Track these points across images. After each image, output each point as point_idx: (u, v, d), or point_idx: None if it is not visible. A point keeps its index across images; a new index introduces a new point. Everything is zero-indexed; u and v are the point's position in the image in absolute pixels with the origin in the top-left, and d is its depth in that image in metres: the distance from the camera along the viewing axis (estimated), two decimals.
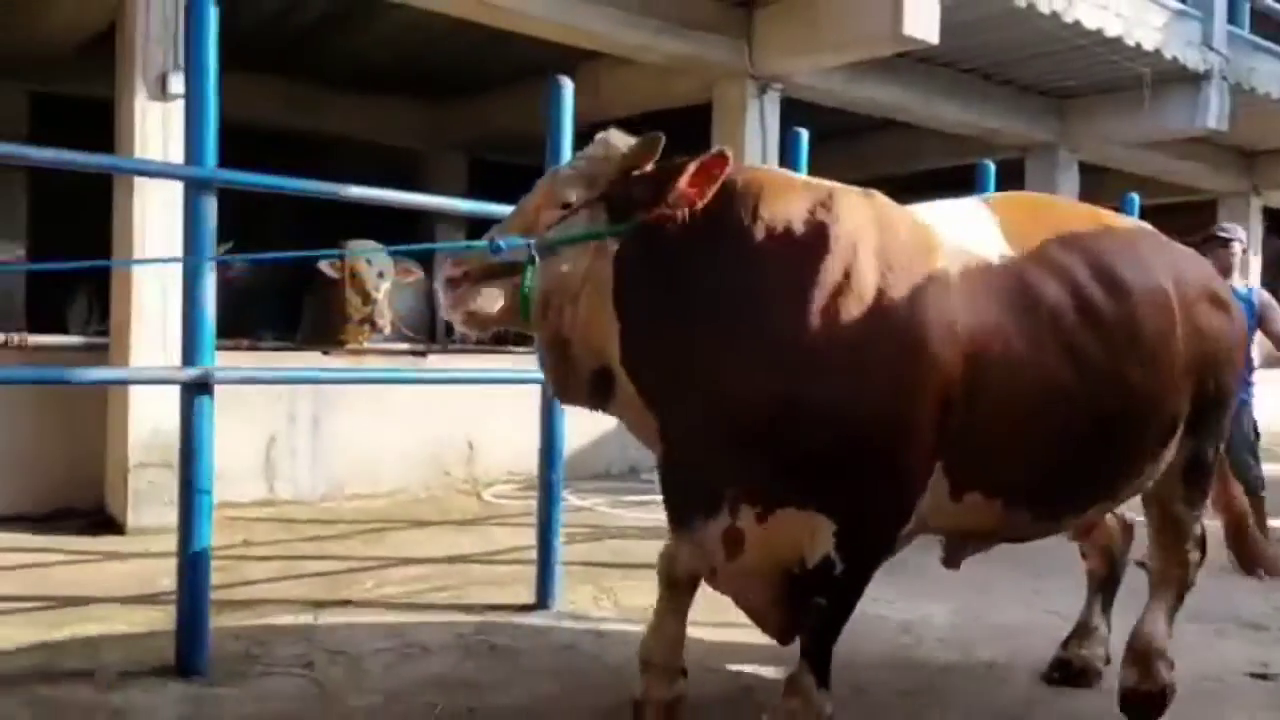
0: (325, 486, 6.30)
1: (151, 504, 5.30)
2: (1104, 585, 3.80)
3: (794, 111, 8.33)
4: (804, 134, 5.28)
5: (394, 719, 3.13)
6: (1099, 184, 11.77)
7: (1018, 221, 3.01)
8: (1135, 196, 6.54)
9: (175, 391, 5.16)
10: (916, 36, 6.76)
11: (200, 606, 3.46)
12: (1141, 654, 3.34)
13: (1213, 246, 5.69)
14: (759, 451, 2.62)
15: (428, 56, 9.20)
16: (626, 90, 8.75)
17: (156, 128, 5.24)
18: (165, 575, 4.51)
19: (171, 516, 5.29)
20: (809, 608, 2.78)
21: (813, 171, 5.50)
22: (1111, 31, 7.98)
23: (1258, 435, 5.96)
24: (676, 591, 2.95)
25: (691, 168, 2.64)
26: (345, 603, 4.28)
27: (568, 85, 4.35)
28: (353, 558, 5.06)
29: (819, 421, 2.58)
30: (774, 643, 2.93)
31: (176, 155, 5.29)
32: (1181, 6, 8.75)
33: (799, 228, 2.68)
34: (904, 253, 2.74)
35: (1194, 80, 9.04)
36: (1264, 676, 3.85)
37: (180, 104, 5.22)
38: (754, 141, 7.88)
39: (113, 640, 3.72)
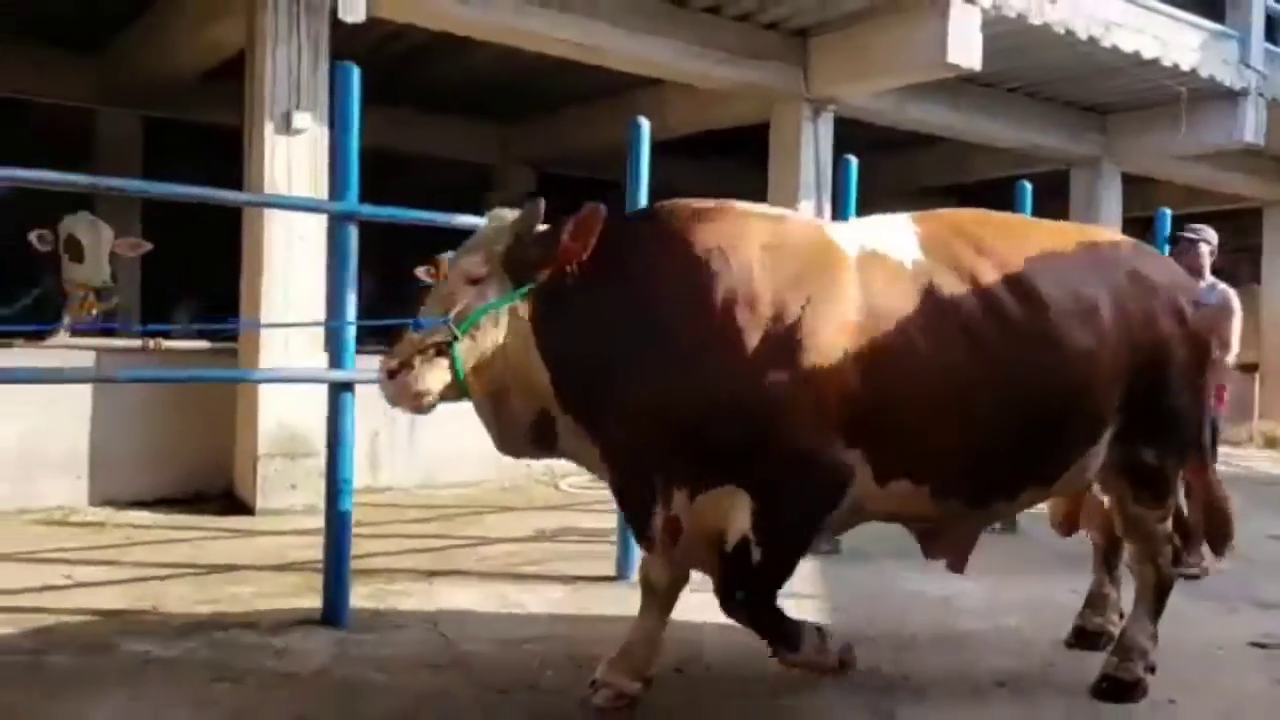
0: (421, 476, 7.00)
1: (276, 489, 6.04)
2: (1107, 555, 4.07)
3: (847, 127, 8.91)
4: (854, 161, 5.83)
5: (504, 661, 3.75)
6: (1146, 194, 12.12)
7: (938, 234, 3.26)
8: (1167, 211, 6.99)
9: (298, 391, 5.91)
10: (960, 64, 7.28)
11: (342, 570, 4.12)
12: (1125, 648, 3.61)
13: (1180, 249, 5.81)
14: (685, 451, 2.96)
15: (504, 81, 9.87)
16: (690, 111, 9.37)
17: (282, 160, 5.96)
18: (294, 548, 5.25)
19: (292, 499, 6.08)
20: (735, 611, 3.10)
21: (866, 183, 6.06)
22: (1149, 53, 8.40)
23: (1216, 437, 5.78)
24: (652, 596, 3.27)
25: (570, 225, 2.98)
26: (453, 572, 4.94)
27: (645, 124, 4.96)
28: (453, 536, 5.74)
29: (728, 418, 2.90)
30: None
31: (299, 185, 6.04)
32: (1219, 27, 9.13)
33: (699, 254, 2.98)
34: (803, 268, 3.02)
35: (1231, 97, 9.40)
36: (1263, 646, 4.32)
37: (301, 138, 6.01)
38: (808, 159, 8.44)
39: (264, 598, 4.40)
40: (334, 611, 4.08)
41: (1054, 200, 10.68)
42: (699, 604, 3.44)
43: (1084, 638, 4.04)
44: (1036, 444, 3.23)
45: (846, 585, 4.87)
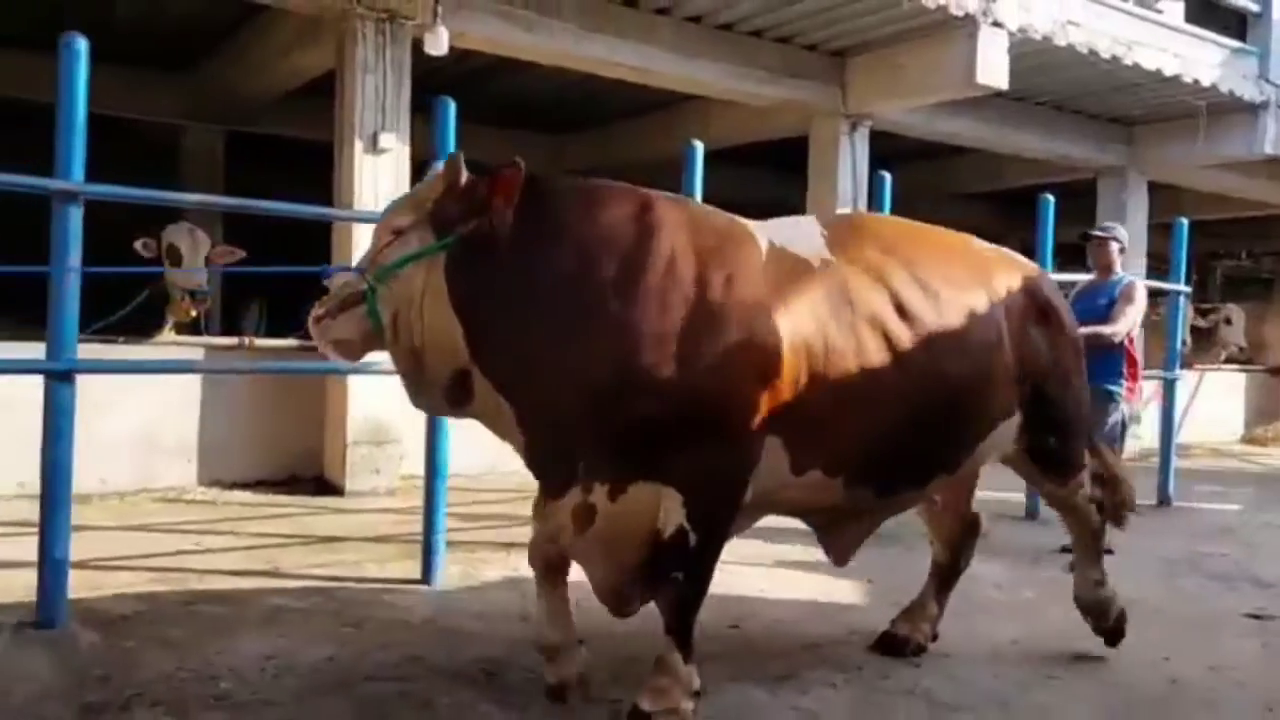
0: (486, 464, 7.60)
1: (362, 473, 6.69)
2: (943, 573, 4.08)
3: (882, 138, 9.43)
4: (887, 176, 6.37)
5: (579, 616, 4.34)
6: (1174, 201, 12.56)
7: (843, 235, 3.35)
8: (1184, 221, 7.47)
9: (381, 385, 6.52)
10: (988, 84, 7.79)
11: (437, 539, 4.74)
12: (1087, 606, 4.03)
13: (1093, 245, 5.96)
14: (602, 429, 2.88)
15: (556, 97, 10.48)
16: (732, 125, 9.93)
17: (369, 177, 6.59)
18: (384, 524, 5.89)
19: (376, 482, 6.70)
20: (665, 585, 3.03)
21: (901, 191, 6.58)
22: (1170, 70, 8.84)
23: (1124, 428, 5.92)
24: (549, 574, 3.21)
25: (492, 181, 2.93)
26: (525, 545, 5.54)
27: (699, 146, 5.54)
28: (521, 516, 6.31)
29: (651, 396, 2.84)
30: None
31: (385, 198, 6.67)
32: (1239, 44, 9.57)
33: (622, 227, 2.98)
34: (720, 249, 3.04)
35: (1252, 110, 9.82)
36: (1258, 616, 4.82)
37: (386, 157, 6.63)
38: (845, 171, 8.96)
39: (368, 563, 5.03)
40: (431, 573, 4.70)
41: (1082, 207, 11.17)
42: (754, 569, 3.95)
43: (890, 643, 3.94)
44: (943, 434, 3.39)
45: (879, 561, 5.40)
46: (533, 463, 3.10)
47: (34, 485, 5.76)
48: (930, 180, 12.72)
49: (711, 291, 2.95)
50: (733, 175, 11.41)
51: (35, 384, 3.94)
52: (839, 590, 4.86)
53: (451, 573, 4.81)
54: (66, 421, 3.80)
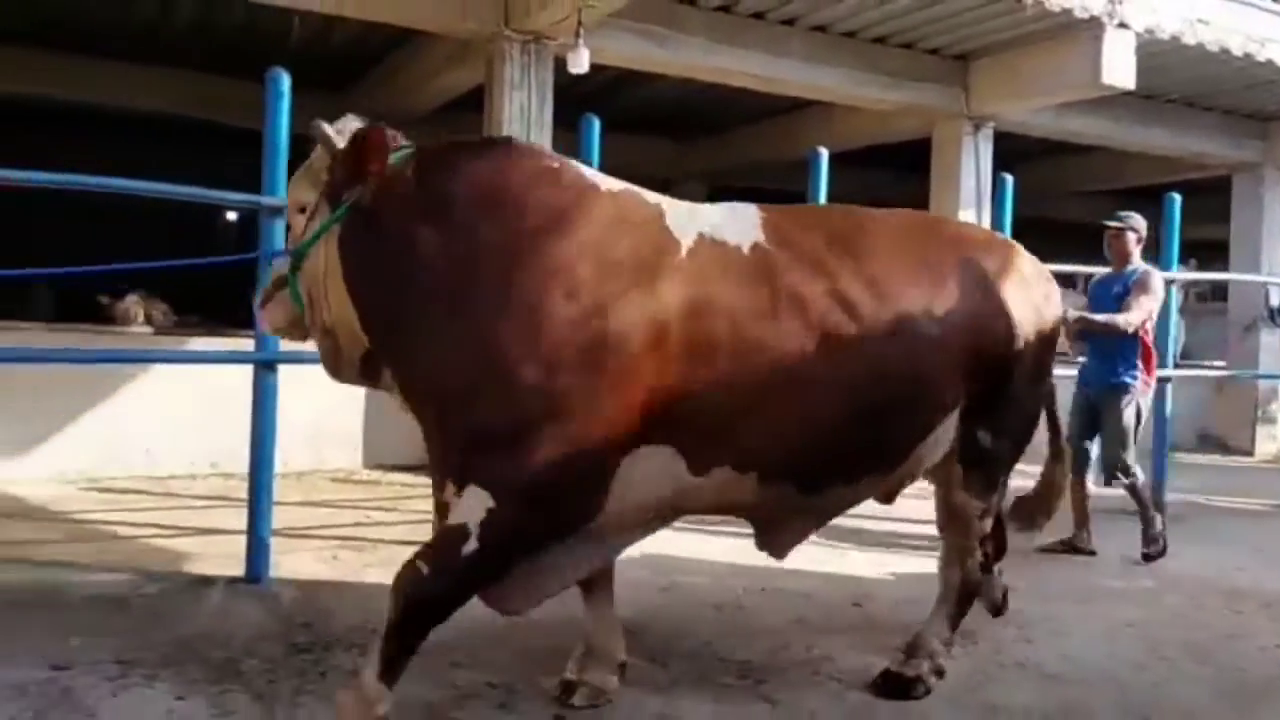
0: None
1: None
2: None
3: (1005, 138, 9.53)
4: (1009, 179, 6.56)
5: (711, 589, 4.74)
6: None
7: (783, 224, 3.06)
8: None
9: None
10: (1115, 84, 7.82)
11: None
12: (914, 646, 3.50)
13: (1109, 235, 5.85)
14: (449, 421, 2.71)
15: (680, 105, 10.88)
16: (854, 128, 10.12)
17: None
18: None
19: None
20: (407, 583, 2.67)
21: (1024, 189, 6.71)
22: None
23: (1139, 421, 5.69)
24: None
25: (357, 147, 2.74)
26: None
27: (824, 153, 5.86)
28: None
29: (489, 397, 2.62)
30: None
31: None
32: None
33: (501, 202, 2.76)
34: (626, 248, 2.77)
35: None
36: None
37: None
38: (969, 173, 9.09)
39: None
40: None
41: (1210, 204, 10.99)
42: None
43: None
44: (874, 430, 3.08)
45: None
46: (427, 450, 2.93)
47: (225, 465, 6.54)
48: (1053, 178, 12.64)
49: (598, 305, 2.68)
50: (855, 177, 11.63)
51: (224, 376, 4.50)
52: None
53: None
54: (271, 405, 4.39)
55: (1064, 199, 13.87)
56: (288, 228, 3.23)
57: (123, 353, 6.43)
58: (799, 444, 2.97)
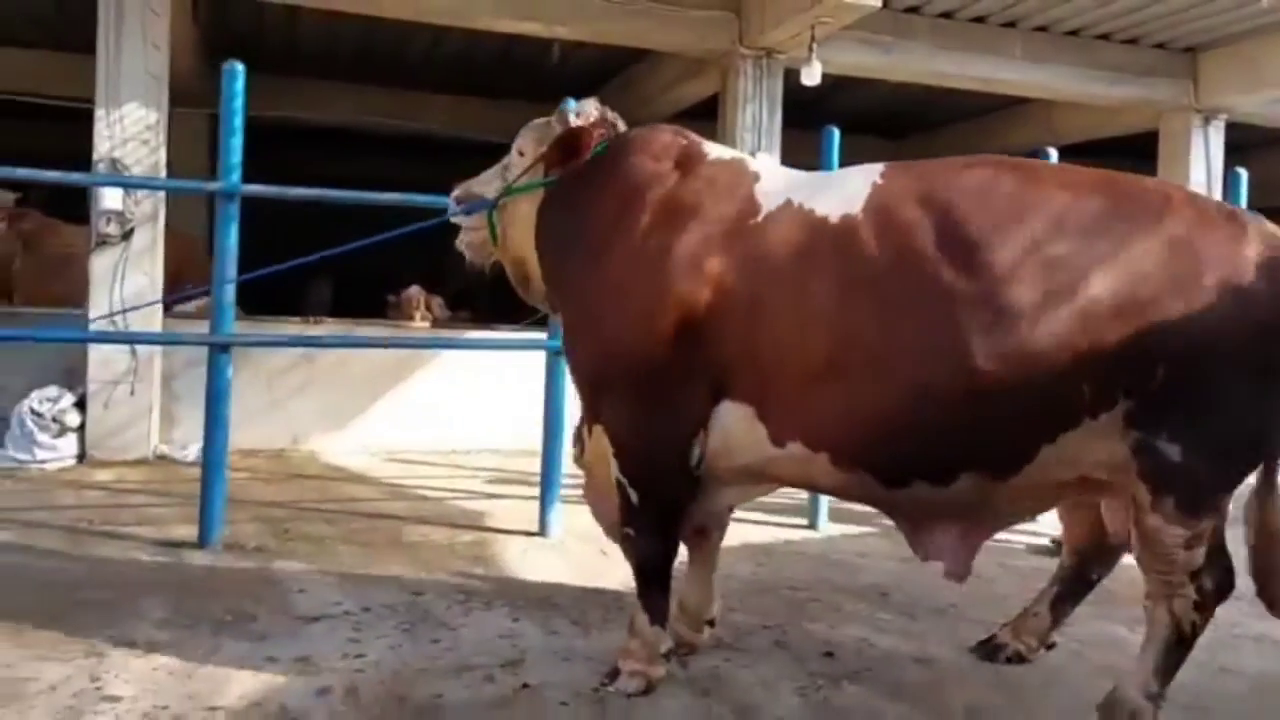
0: None
1: None
2: (1065, 580, 3.54)
3: (1238, 130, 9.35)
4: (1242, 173, 6.58)
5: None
6: None
7: (898, 189, 2.85)
8: None
9: None
10: None
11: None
12: (1110, 705, 2.93)
13: None
14: (576, 371, 3.23)
15: (899, 106, 11.18)
16: (1077, 122, 10.22)
17: None
18: None
19: None
20: (624, 540, 3.17)
21: (1256, 181, 6.66)
22: None
23: None
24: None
25: (574, 136, 3.28)
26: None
27: (1052, 154, 6.11)
28: None
29: (589, 347, 3.12)
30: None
31: None
32: None
33: (620, 187, 3.13)
34: (707, 214, 2.99)
35: None
36: None
37: None
38: (1199, 165, 9.02)
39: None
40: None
41: None
42: None
43: (986, 649, 3.67)
44: (981, 420, 2.70)
45: None
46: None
47: (496, 443, 7.44)
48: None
49: (657, 249, 2.97)
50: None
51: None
52: None
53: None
54: (561, 387, 5.12)
55: None
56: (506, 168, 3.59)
57: (439, 340, 7.45)
58: (867, 430, 2.79)
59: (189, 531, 4.79)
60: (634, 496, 3.08)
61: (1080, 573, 3.54)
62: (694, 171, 3.13)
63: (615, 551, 4.87)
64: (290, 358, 7.06)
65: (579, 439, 3.38)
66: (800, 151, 11.72)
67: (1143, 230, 2.74)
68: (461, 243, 3.67)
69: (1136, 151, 10.21)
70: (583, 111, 3.34)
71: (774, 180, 3.13)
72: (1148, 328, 2.65)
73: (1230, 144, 9.21)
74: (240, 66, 4.63)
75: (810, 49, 6.80)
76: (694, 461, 3.02)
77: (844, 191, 2.95)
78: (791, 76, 7.54)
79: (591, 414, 3.20)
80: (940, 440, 2.77)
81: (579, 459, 3.42)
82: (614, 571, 4.58)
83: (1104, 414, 2.71)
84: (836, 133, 5.62)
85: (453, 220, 3.70)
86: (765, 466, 3.01)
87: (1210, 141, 9.03)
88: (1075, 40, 8.45)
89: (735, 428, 2.96)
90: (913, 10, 7.81)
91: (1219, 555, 2.87)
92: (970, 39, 8.10)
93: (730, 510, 3.52)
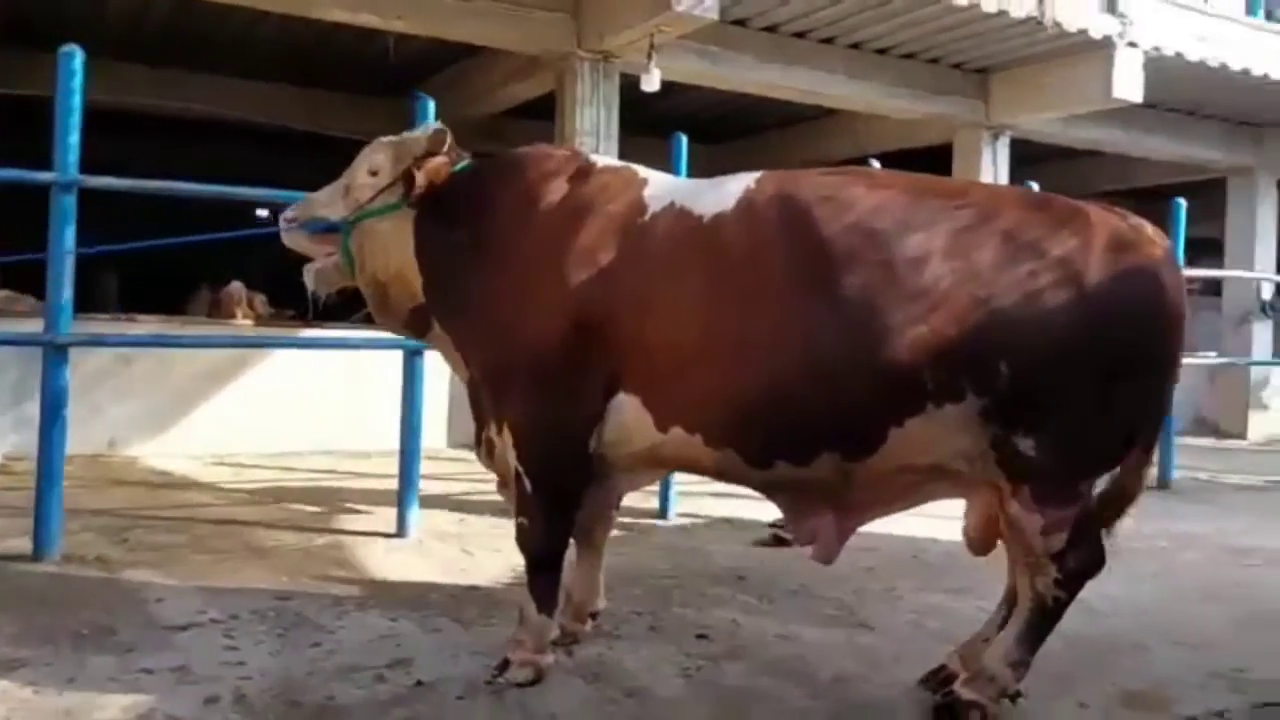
0: None
1: None
2: (1011, 604, 3.26)
3: (1018, 143, 10.27)
4: (1035, 186, 7.27)
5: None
6: None
7: (767, 193, 3.03)
8: None
9: None
10: (1125, 98, 8.60)
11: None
12: (977, 670, 3.09)
13: None
14: (481, 370, 3.31)
15: (716, 112, 11.56)
16: (879, 135, 10.91)
17: None
18: None
19: None
20: (518, 538, 3.28)
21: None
22: None
23: None
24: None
25: (432, 163, 3.32)
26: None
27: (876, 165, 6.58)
28: None
29: (490, 345, 3.24)
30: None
31: None
32: None
33: (513, 196, 3.27)
34: (585, 210, 3.16)
35: None
36: None
37: None
38: (987, 177, 9.82)
39: None
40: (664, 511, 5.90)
41: (1212, 203, 11.80)
42: None
43: (935, 678, 3.34)
44: (825, 407, 2.86)
45: None
46: (470, 397, 3.46)
47: (329, 444, 7.24)
48: (1064, 181, 13.33)
49: (554, 249, 3.12)
50: None
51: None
52: None
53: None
54: (419, 387, 5.11)
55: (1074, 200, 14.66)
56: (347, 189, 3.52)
57: (276, 339, 7.17)
58: (731, 412, 2.99)
59: (20, 544, 4.49)
60: (529, 486, 3.20)
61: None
62: (586, 179, 3.29)
63: (479, 549, 4.95)
64: (108, 358, 6.65)
65: (482, 441, 3.47)
66: (628, 156, 11.98)
67: (982, 228, 2.87)
68: (309, 271, 3.57)
69: (932, 163, 11.04)
70: (442, 131, 3.42)
71: (660, 185, 3.30)
72: (985, 323, 2.78)
73: (1017, 157, 10.11)
74: (78, 50, 4.37)
75: (650, 56, 7.01)
76: (591, 451, 3.17)
77: (720, 194, 3.12)
78: (626, 80, 7.74)
79: (497, 413, 3.29)
80: (796, 421, 2.93)
81: (487, 461, 3.49)
82: (481, 569, 4.64)
83: (950, 405, 2.83)
84: (684, 139, 5.83)
85: (290, 244, 3.59)
86: (654, 452, 3.16)
87: (998, 155, 9.90)
88: (885, 58, 9.06)
89: (628, 417, 3.11)
90: (740, 23, 8.16)
91: (1085, 536, 2.98)
92: (792, 52, 8.55)
93: (618, 502, 3.65)
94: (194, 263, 8.52)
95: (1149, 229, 3.04)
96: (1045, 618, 3.04)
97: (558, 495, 3.24)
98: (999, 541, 3.18)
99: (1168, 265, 2.97)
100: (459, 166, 3.43)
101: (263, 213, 15.19)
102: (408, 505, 5.13)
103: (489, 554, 4.89)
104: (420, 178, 3.30)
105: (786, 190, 3.04)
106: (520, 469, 3.21)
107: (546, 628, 3.29)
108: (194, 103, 10.41)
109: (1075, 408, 2.84)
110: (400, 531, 5.12)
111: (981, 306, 2.79)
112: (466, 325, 3.34)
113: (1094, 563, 3.05)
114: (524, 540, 3.30)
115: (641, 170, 3.40)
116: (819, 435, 2.94)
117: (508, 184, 3.34)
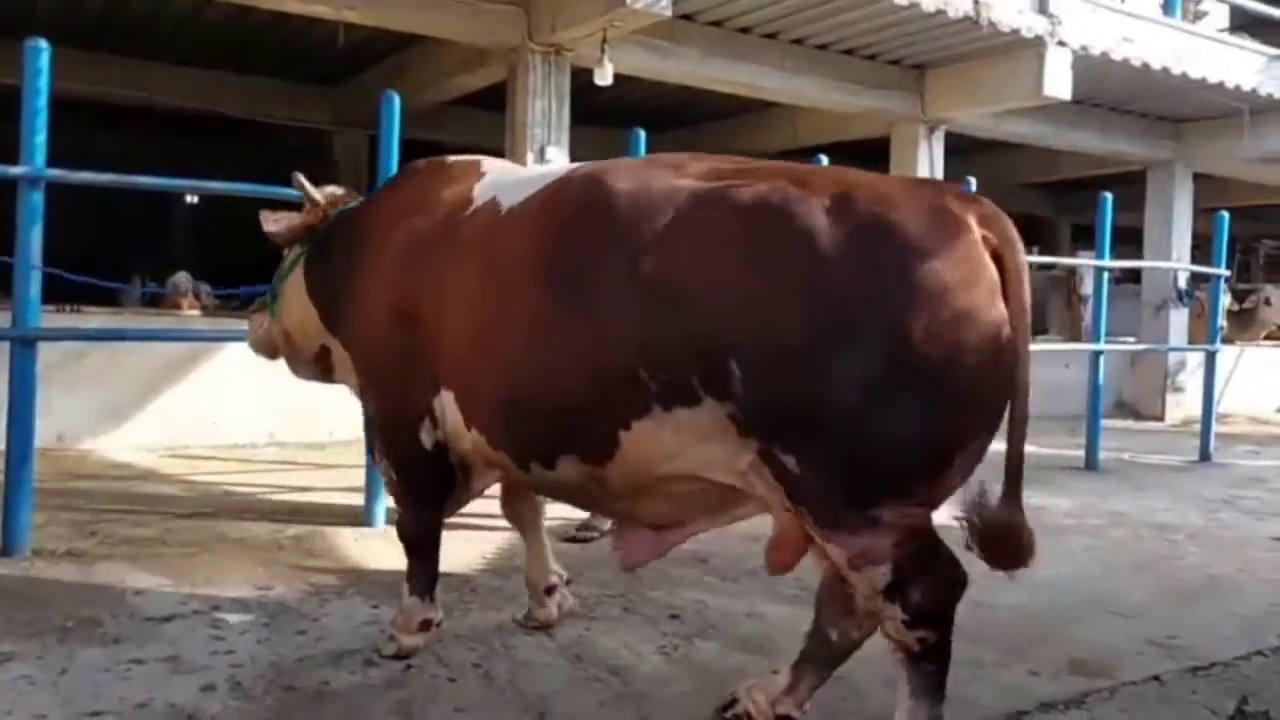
0: None
1: None
2: (814, 642, 2.92)
3: (951, 137, 10.61)
4: (972, 180, 7.59)
5: None
6: (1220, 189, 13.69)
7: (570, 182, 2.90)
8: (1225, 214, 8.63)
9: None
10: (1054, 95, 8.94)
11: None
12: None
13: None
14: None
15: (656, 103, 11.72)
16: (818, 127, 11.17)
17: None
18: None
19: None
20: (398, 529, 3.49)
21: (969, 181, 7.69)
22: (1214, 78, 9.91)
23: None
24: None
25: (317, 210, 3.75)
26: None
27: (824, 161, 6.81)
28: None
29: (352, 345, 3.47)
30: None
31: None
32: (1277, 52, 10.65)
33: (371, 215, 3.53)
34: (427, 219, 3.24)
35: None
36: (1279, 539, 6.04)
37: (553, 167, 7.93)
38: (924, 169, 10.14)
39: None
40: None
41: (1132, 193, 12.33)
42: None
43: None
44: (559, 409, 2.74)
45: None
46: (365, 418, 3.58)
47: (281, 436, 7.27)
48: (992, 172, 13.81)
49: (381, 250, 3.31)
50: None
51: None
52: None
53: None
54: None
55: (1002, 190, 15.15)
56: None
57: (242, 333, 7.05)
58: (493, 412, 2.95)
59: None
60: (393, 474, 3.41)
61: (826, 635, 2.95)
62: (435, 178, 3.41)
63: (448, 538, 5.05)
64: (59, 352, 6.56)
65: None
66: (574, 144, 12.08)
67: (719, 212, 2.53)
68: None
69: (869, 155, 11.34)
70: (324, 190, 3.82)
71: (493, 179, 3.26)
72: (708, 318, 2.44)
73: (951, 148, 10.45)
74: (44, 42, 4.34)
75: (603, 50, 7.12)
76: (431, 446, 3.22)
77: (529, 188, 3.01)
78: (583, 76, 7.84)
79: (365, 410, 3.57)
80: (538, 423, 2.83)
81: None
82: (453, 556, 4.73)
83: (683, 409, 2.51)
84: (643, 134, 5.97)
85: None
86: (472, 448, 3.13)
87: (934, 148, 10.22)
88: (825, 54, 9.27)
89: (449, 413, 3.14)
90: (687, 18, 8.30)
91: (927, 566, 2.43)
92: (737, 47, 8.71)
93: (521, 490, 3.61)
94: (126, 253, 8.42)
95: (979, 210, 2.47)
96: (925, 662, 2.46)
97: (415, 486, 3.38)
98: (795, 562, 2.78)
99: (966, 252, 2.36)
100: (347, 206, 3.76)
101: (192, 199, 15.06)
102: (374, 496, 5.20)
103: (458, 542, 4.99)
104: (299, 219, 3.76)
105: (589, 181, 2.82)
106: (381, 458, 3.44)
107: (418, 609, 3.44)
108: (124, 88, 10.20)
109: (834, 419, 2.35)
110: (367, 521, 5.19)
111: (704, 299, 2.45)
112: (345, 335, 3.53)
113: (948, 594, 2.48)
114: (398, 526, 3.51)
115: (487, 163, 3.42)
116: (556, 437, 2.81)
117: (375, 197, 3.66)
